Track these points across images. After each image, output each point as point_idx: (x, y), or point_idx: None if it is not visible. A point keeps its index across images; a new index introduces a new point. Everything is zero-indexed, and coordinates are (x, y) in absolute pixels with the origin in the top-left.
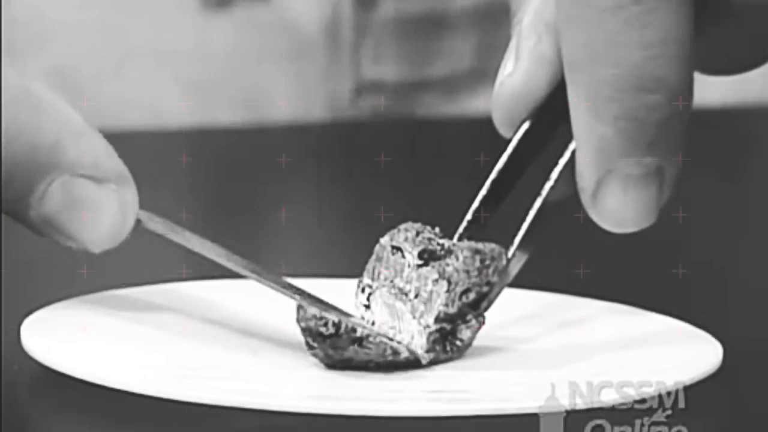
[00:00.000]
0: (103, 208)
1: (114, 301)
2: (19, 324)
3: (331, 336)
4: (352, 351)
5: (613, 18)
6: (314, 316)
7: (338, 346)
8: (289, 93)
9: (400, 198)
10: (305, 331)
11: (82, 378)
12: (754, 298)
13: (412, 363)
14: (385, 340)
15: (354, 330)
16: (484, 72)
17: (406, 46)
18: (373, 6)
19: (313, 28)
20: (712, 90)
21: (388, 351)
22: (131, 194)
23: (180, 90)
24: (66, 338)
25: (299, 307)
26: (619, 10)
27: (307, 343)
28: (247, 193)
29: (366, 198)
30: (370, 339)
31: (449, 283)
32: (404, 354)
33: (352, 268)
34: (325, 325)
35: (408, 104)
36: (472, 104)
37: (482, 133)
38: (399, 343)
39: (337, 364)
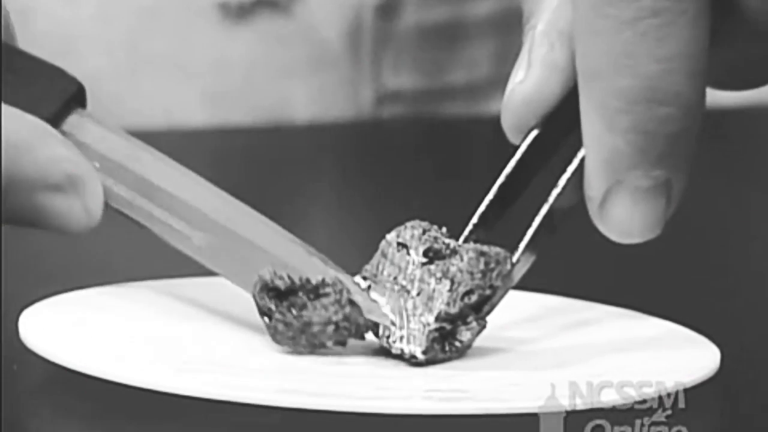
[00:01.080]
0: (66, 210)
1: (111, 295)
2: (17, 317)
3: (287, 293)
4: (310, 309)
5: (631, 30)
6: (269, 271)
7: (296, 305)
8: (309, 103)
9: (407, 198)
10: (261, 292)
11: (77, 369)
12: (752, 303)
13: (374, 326)
14: (342, 280)
15: (309, 281)
16: (503, 79)
17: (425, 55)
18: (394, 16)
19: (334, 38)
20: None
21: (344, 298)
22: (90, 187)
23: (201, 101)
24: (63, 330)
25: (256, 282)
26: (637, 22)
27: (266, 315)
28: (260, 192)
29: (372, 197)
30: (326, 282)
31: (452, 282)
32: (363, 302)
33: (357, 268)
34: (281, 278)
35: (428, 113)
36: (491, 109)
37: (496, 136)
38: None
39: (297, 335)
